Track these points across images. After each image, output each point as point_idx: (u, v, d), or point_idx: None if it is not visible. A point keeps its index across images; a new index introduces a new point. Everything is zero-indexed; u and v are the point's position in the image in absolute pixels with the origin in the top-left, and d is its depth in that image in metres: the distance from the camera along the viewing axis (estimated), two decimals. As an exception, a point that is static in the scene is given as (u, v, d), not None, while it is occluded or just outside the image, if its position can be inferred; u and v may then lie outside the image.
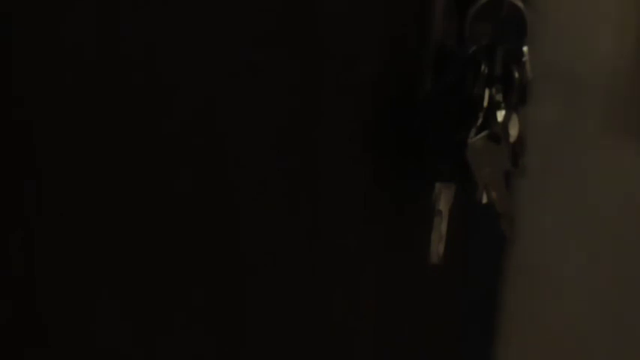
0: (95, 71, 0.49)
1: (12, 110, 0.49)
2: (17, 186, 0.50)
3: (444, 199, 0.57)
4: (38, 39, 0.48)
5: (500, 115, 0.53)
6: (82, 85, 0.50)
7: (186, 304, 0.57)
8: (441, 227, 0.58)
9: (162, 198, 0.53)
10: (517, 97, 0.53)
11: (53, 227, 0.52)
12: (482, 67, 0.52)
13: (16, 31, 0.47)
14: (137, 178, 0.52)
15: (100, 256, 0.54)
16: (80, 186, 0.51)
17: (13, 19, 0.47)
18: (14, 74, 0.48)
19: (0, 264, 0.51)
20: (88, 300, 0.54)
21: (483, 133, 0.53)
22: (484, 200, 0.55)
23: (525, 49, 0.53)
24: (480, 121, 0.53)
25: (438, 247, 0.58)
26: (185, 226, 0.54)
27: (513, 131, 0.54)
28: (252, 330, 0.59)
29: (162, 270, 0.55)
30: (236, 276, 0.57)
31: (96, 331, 0.55)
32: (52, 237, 0.52)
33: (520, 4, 0.52)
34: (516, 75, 0.53)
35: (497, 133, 0.53)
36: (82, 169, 0.51)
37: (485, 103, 0.53)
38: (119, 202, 0.53)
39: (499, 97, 0.53)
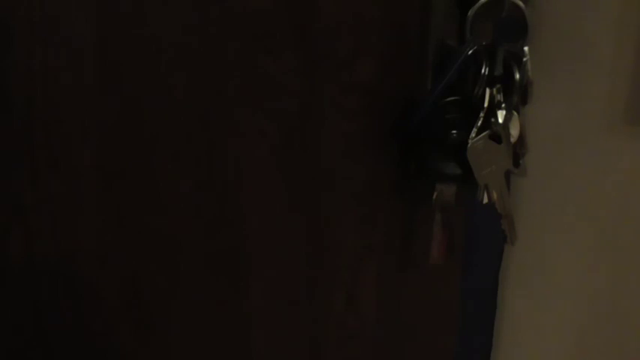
0: (96, 71, 0.49)
1: (12, 111, 0.49)
2: (18, 185, 0.50)
3: (444, 199, 0.57)
4: (38, 39, 0.48)
5: (501, 115, 0.53)
6: (83, 86, 0.50)
7: (188, 303, 0.56)
8: (441, 227, 0.58)
9: (165, 198, 0.53)
10: (518, 97, 0.53)
11: (55, 227, 0.52)
12: (483, 67, 0.52)
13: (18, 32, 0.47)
14: (139, 179, 0.52)
15: (102, 255, 0.54)
16: (83, 186, 0.51)
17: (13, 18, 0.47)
18: (14, 74, 0.48)
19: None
20: (90, 297, 0.54)
21: (484, 133, 0.53)
22: (484, 200, 0.55)
23: (526, 48, 0.53)
24: (480, 121, 0.53)
25: (438, 246, 0.58)
26: (188, 225, 0.54)
27: (514, 131, 0.54)
28: (253, 329, 0.59)
29: (164, 270, 0.55)
30: (237, 275, 0.57)
31: (96, 331, 0.55)
32: (53, 237, 0.52)
33: (521, 4, 0.52)
34: (517, 75, 0.53)
35: (498, 133, 0.53)
36: (85, 170, 0.51)
37: (486, 103, 0.53)
38: (121, 202, 0.53)
39: (500, 97, 0.53)
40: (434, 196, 0.56)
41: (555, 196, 0.63)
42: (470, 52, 0.52)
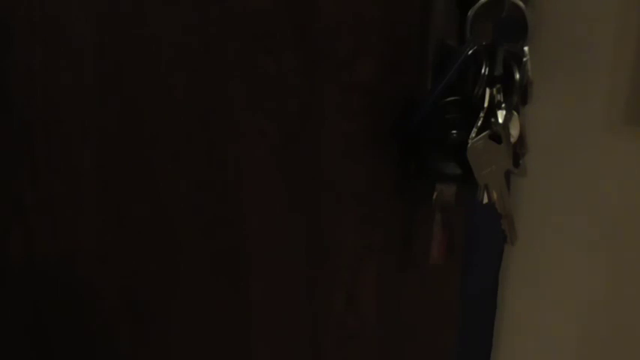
0: (96, 71, 0.49)
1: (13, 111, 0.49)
2: (18, 185, 0.50)
3: (444, 199, 0.57)
4: (38, 39, 0.48)
5: (501, 115, 0.53)
6: (83, 86, 0.50)
7: (188, 303, 0.56)
8: (441, 227, 0.58)
9: (165, 198, 0.53)
10: (518, 97, 0.53)
11: (55, 227, 0.52)
12: (483, 67, 0.52)
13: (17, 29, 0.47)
14: (139, 179, 0.52)
15: (102, 255, 0.54)
16: (83, 186, 0.51)
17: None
18: (14, 74, 0.48)
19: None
20: (90, 297, 0.54)
21: (484, 134, 0.53)
22: (484, 200, 0.55)
23: (526, 48, 0.53)
24: (480, 121, 0.53)
25: (438, 246, 0.58)
26: (188, 225, 0.54)
27: (514, 131, 0.54)
28: (253, 328, 0.59)
29: (164, 269, 0.55)
30: (237, 275, 0.57)
31: (96, 331, 0.55)
32: (53, 237, 0.52)
33: (521, 4, 0.52)
34: (517, 75, 0.53)
35: (498, 133, 0.53)
36: (85, 170, 0.51)
37: (486, 103, 0.53)
38: (121, 202, 0.53)
39: (500, 97, 0.53)
40: (434, 196, 0.56)
41: (555, 196, 0.63)
42: (470, 52, 0.52)
